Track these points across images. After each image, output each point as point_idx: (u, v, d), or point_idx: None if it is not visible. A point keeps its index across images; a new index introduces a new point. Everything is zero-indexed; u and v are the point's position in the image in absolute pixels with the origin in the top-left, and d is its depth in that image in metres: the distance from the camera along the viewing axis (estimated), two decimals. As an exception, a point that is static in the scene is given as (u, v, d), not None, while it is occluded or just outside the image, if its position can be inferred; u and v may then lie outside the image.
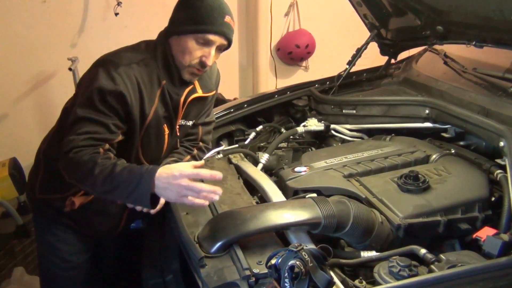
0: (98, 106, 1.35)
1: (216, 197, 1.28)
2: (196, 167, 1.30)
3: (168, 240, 1.64)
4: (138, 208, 1.42)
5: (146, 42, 1.54)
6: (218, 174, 1.28)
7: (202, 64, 1.46)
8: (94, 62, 1.45)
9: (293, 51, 4.00)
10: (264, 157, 1.92)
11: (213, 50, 1.44)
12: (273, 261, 1.06)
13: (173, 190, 1.24)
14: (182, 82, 1.53)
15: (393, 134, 1.95)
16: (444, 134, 1.86)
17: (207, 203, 1.29)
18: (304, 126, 2.16)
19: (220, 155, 1.86)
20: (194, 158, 1.70)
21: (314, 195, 1.49)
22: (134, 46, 1.52)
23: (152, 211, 1.42)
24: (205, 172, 1.27)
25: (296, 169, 1.69)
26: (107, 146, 1.37)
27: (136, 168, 1.30)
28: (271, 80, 4.15)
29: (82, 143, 1.33)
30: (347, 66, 2.41)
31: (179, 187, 1.24)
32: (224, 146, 2.04)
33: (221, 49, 1.49)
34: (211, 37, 1.42)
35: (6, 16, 3.06)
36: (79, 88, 1.46)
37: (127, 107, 1.39)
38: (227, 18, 1.44)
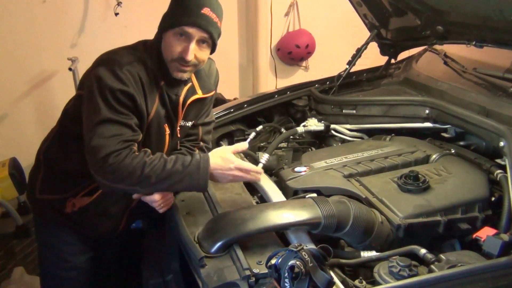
0: (116, 107, 1.35)
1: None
2: (237, 151, 1.51)
3: (168, 240, 1.64)
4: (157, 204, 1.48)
5: (143, 42, 1.54)
6: (262, 172, 1.56)
7: (182, 59, 1.43)
8: (95, 62, 1.44)
9: (293, 51, 4.00)
10: (264, 157, 1.92)
11: (192, 44, 1.41)
12: (273, 261, 1.06)
13: (227, 178, 1.45)
14: (178, 81, 1.53)
15: (393, 134, 1.95)
16: (444, 134, 1.86)
17: None
18: (304, 126, 2.16)
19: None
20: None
21: (314, 195, 1.49)
22: (132, 46, 1.51)
23: (161, 210, 1.48)
24: (253, 167, 1.49)
25: (296, 169, 1.69)
26: (136, 145, 1.38)
27: (187, 160, 1.39)
28: (271, 80, 4.15)
29: (117, 147, 1.32)
30: (347, 66, 2.40)
31: (231, 176, 1.45)
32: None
33: (204, 42, 1.45)
34: (188, 29, 1.40)
35: (6, 16, 3.06)
36: (83, 89, 1.43)
37: (136, 105, 1.40)
38: (205, 10, 1.41)
